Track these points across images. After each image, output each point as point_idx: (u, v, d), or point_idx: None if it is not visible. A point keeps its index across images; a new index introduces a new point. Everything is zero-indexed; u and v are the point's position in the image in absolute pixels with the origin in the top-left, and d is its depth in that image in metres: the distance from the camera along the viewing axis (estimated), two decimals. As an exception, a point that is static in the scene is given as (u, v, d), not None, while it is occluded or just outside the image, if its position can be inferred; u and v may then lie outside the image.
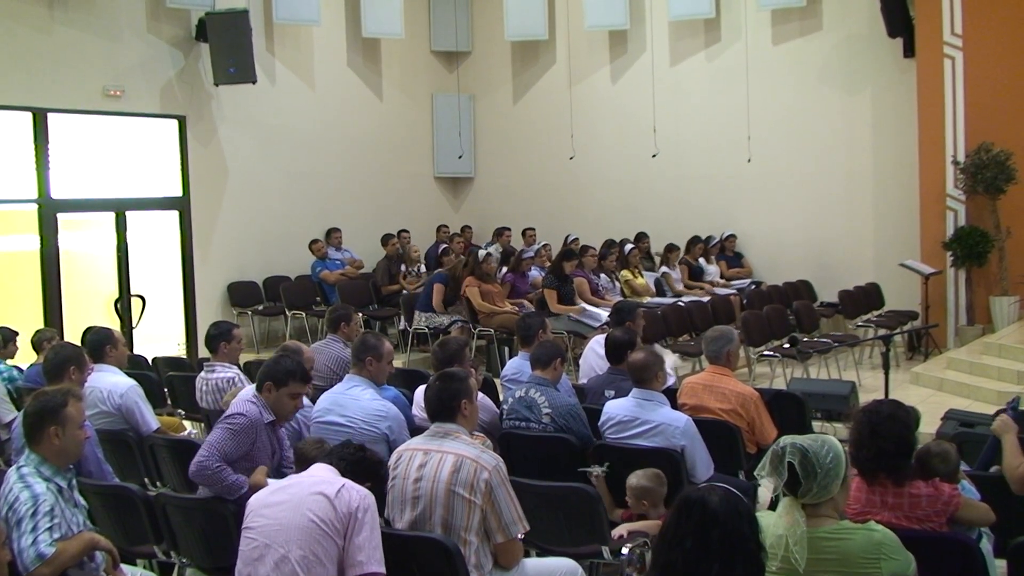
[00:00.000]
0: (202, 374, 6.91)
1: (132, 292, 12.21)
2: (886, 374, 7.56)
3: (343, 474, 3.98)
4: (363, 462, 4.09)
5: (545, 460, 5.64)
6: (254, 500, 3.98)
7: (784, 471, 3.38)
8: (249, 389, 5.24)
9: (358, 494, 3.82)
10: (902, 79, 13.08)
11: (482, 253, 11.72)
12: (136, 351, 11.00)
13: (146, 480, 6.25)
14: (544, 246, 13.55)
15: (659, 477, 5.04)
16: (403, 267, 13.54)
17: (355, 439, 5.38)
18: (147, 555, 5.01)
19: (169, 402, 8.32)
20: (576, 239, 13.94)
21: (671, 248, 13.66)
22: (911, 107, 12.75)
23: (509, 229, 15.05)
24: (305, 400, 5.85)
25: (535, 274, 12.68)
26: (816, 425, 7.37)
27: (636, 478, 5.04)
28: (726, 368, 6.26)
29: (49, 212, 11.50)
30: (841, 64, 13.67)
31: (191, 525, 4.79)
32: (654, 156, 14.53)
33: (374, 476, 4.08)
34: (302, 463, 4.49)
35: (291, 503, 3.83)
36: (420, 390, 5.98)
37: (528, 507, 4.34)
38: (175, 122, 12.76)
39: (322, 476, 3.94)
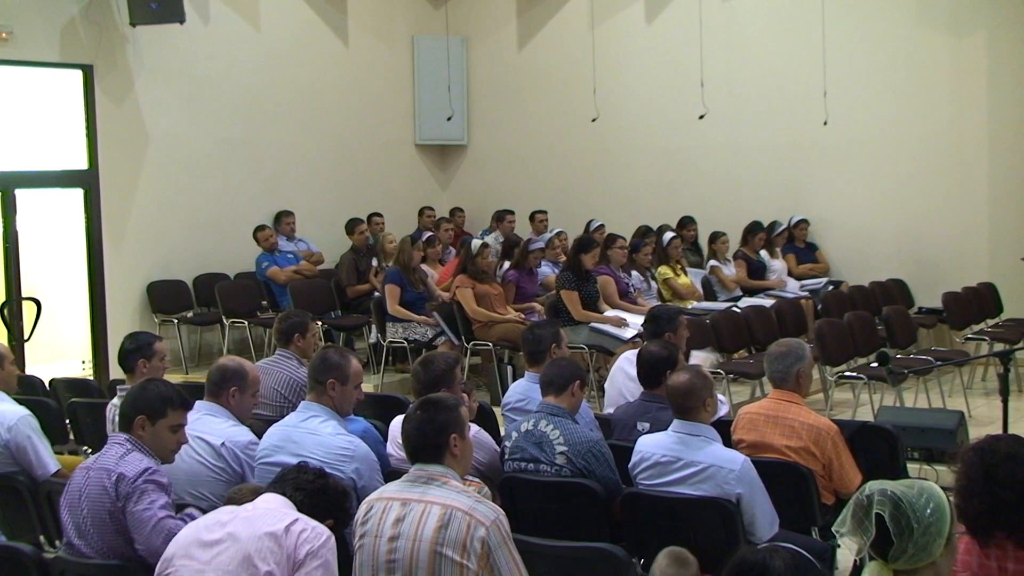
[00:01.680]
0: (115, 400, 6.88)
1: (23, 294, 12.22)
2: (1004, 402, 7.54)
3: (300, 508, 3.99)
4: (324, 492, 4.11)
5: (560, 512, 5.65)
6: (181, 538, 3.99)
7: (871, 527, 3.38)
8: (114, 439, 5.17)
9: (312, 533, 3.83)
10: (1028, 16, 13.10)
11: (476, 244, 11.73)
12: (28, 370, 11.00)
13: (41, 538, 6.25)
14: (558, 234, 13.56)
15: (683, 558, 4.97)
16: (375, 262, 13.55)
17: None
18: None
19: (72, 437, 8.31)
20: (601, 226, 13.94)
21: (719, 236, 13.67)
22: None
23: (512, 213, 15.07)
24: (248, 435, 5.88)
25: (547, 271, 12.68)
26: (912, 468, 7.37)
27: (658, 566, 5.01)
28: (795, 394, 6.26)
29: (-85, 190, 11.54)
30: (947, -4, 13.69)
31: (98, 597, 4.80)
32: (701, 117, 14.52)
33: (337, 510, 4.09)
34: None
35: (232, 550, 3.83)
36: (397, 422, 5.98)
37: (537, 574, 4.34)
38: (79, 73, 12.77)
39: (270, 507, 3.95)
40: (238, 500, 4.69)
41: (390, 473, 5.56)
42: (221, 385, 6.00)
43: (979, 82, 13.52)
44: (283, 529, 3.82)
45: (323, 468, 4.27)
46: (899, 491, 3.41)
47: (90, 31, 12.73)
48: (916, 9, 13.81)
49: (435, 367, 6.07)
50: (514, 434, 6.03)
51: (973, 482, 3.91)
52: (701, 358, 8.58)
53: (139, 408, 5.00)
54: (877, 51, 13.98)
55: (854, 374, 10.25)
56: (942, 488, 3.51)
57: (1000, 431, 6.74)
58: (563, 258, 12.55)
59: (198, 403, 5.70)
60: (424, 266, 12.90)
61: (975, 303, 12.68)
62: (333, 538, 3.89)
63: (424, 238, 13.36)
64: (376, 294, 12.83)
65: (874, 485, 3.45)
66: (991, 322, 12.63)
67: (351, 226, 13.87)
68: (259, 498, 4.09)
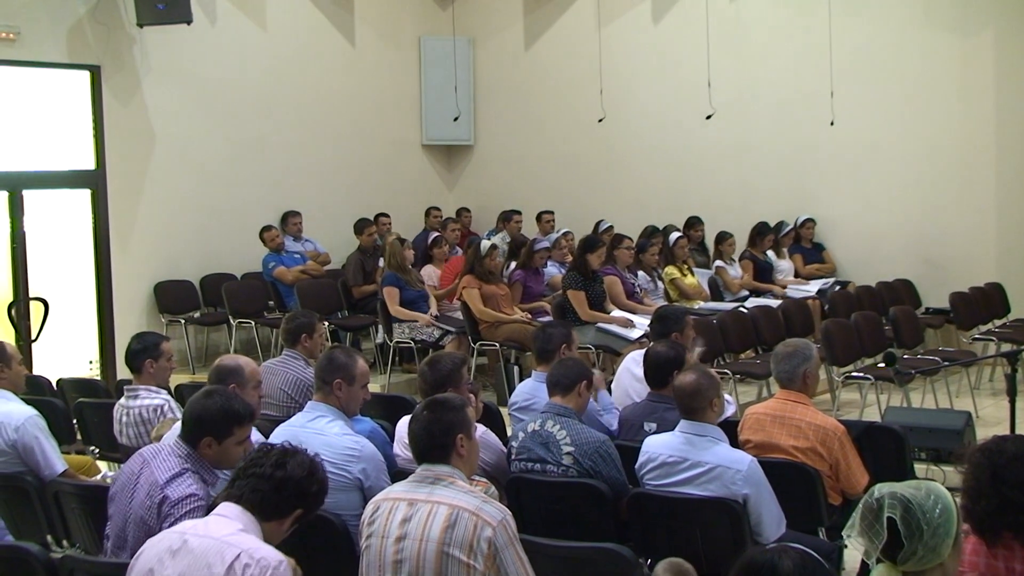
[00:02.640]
0: (122, 401, 6.92)
1: (31, 294, 12.24)
2: (1012, 403, 7.52)
3: (260, 510, 3.95)
4: (285, 485, 3.98)
5: (566, 513, 5.65)
6: (139, 565, 3.98)
7: (882, 529, 3.38)
8: (169, 437, 5.16)
9: (256, 568, 3.77)
10: (1035, 16, 13.08)
11: (486, 245, 11.73)
12: (36, 371, 11.02)
13: (49, 538, 6.26)
14: (565, 235, 13.54)
15: (683, 570, 4.95)
16: (381, 262, 13.55)
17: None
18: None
19: (79, 437, 8.34)
20: (609, 227, 13.95)
21: (726, 237, 13.66)
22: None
23: (519, 213, 15.07)
24: (255, 435, 5.88)
25: (553, 271, 12.68)
26: (919, 468, 7.36)
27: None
28: (802, 394, 6.26)
29: (-77, 191, 11.56)
30: (954, -4, 13.67)
31: (106, 597, 4.80)
32: (708, 118, 14.54)
33: (302, 497, 4.00)
34: None
35: None
36: (404, 422, 5.98)
37: (544, 574, 4.34)
38: (87, 74, 12.78)
39: (219, 534, 3.91)
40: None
41: (397, 473, 5.56)
42: (221, 383, 5.98)
43: (986, 82, 13.49)
44: (224, 571, 3.78)
45: (284, 451, 4.12)
46: (908, 493, 3.41)
47: (97, 32, 12.74)
48: (923, 9, 13.79)
49: (442, 367, 6.07)
50: (520, 434, 6.03)
51: (980, 483, 3.91)
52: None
53: (205, 430, 4.89)
54: (884, 51, 13.96)
55: (861, 374, 10.24)
56: (949, 489, 3.51)
57: (1007, 432, 6.74)
58: (570, 258, 12.55)
59: None
60: (431, 266, 12.92)
61: (982, 303, 12.65)
62: (284, 564, 3.83)
63: (431, 238, 13.38)
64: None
65: (883, 488, 3.45)
66: (998, 322, 12.61)
67: (360, 227, 13.87)
68: (212, 514, 4.04)
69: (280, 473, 4.00)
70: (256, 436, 5.87)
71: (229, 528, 3.93)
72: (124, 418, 6.83)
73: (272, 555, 3.82)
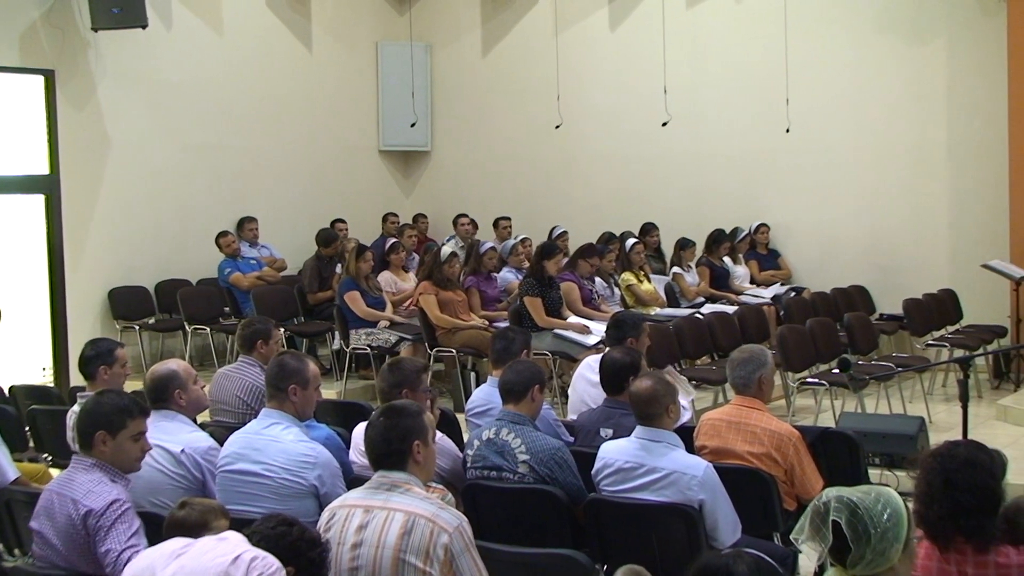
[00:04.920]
0: (75, 407, 6.85)
1: (-17, 300, 12.14)
2: (964, 408, 7.58)
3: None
4: (283, 538, 3.91)
5: (523, 519, 5.65)
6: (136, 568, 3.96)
7: (829, 534, 3.40)
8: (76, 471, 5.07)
9: (262, 562, 3.71)
10: (987, 23, 13.18)
11: (445, 251, 11.72)
12: (-12, 378, 10.93)
13: (0, 547, 6.20)
14: (522, 241, 13.55)
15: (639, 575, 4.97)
16: (338, 268, 13.52)
17: (274, 493, 5.38)
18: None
19: (31, 444, 8.26)
20: (564, 233, 13.97)
21: (686, 244, 13.72)
22: (999, 60, 12.83)
23: (466, 215, 15.11)
24: (207, 440, 5.85)
25: (510, 277, 12.68)
26: (874, 473, 7.40)
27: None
28: (757, 400, 6.29)
29: None
30: (907, 4, 13.77)
31: (59, 608, 4.76)
32: (665, 124, 14.57)
33: (299, 557, 3.91)
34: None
35: None
36: (360, 429, 5.97)
37: (500, 581, 4.35)
38: (40, 78, 12.69)
39: (223, 539, 3.88)
40: (186, 520, 4.55)
41: (353, 480, 5.54)
42: (164, 392, 5.96)
43: (939, 90, 13.62)
44: (231, 560, 3.75)
45: (295, 518, 4.06)
46: (856, 498, 3.43)
47: (52, 36, 12.65)
48: (877, 18, 13.90)
49: (399, 372, 6.06)
50: (476, 442, 6.02)
51: (933, 488, 3.94)
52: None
53: (98, 424, 4.92)
54: (839, 59, 14.07)
55: (816, 380, 10.30)
56: (902, 494, 3.54)
57: (960, 437, 6.79)
58: (527, 264, 12.55)
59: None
60: (388, 272, 12.89)
61: (936, 310, 12.76)
62: (284, 572, 3.78)
63: (388, 244, 13.35)
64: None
65: (831, 492, 3.47)
66: (951, 328, 12.72)
67: (326, 239, 13.62)
68: (219, 535, 4.01)
69: (282, 529, 3.91)
70: (209, 442, 5.86)
71: (238, 539, 3.92)
72: (76, 434, 6.77)
73: (276, 561, 3.79)
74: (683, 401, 7.13)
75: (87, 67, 13.01)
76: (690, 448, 5.94)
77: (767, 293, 13.58)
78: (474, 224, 15.18)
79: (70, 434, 6.82)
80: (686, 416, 6.90)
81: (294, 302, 13.38)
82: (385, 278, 12.77)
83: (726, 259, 13.94)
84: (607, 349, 7.36)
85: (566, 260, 12.14)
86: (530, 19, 16.10)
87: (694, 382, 10.57)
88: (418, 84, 16.52)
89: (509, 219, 15.11)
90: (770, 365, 6.40)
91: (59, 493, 4.90)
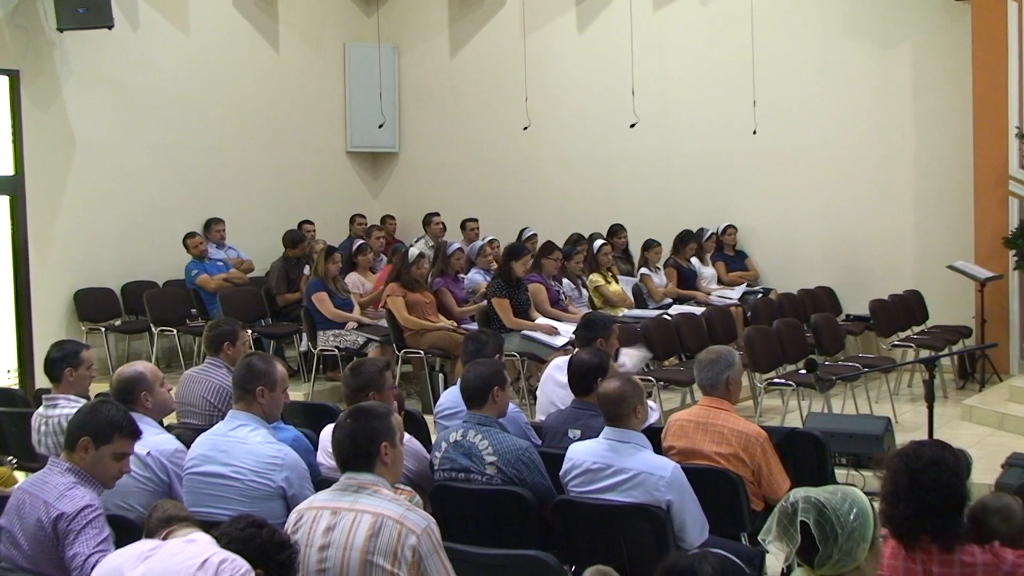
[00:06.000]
0: (40, 410, 6.82)
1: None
2: (930, 408, 7.63)
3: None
4: (252, 540, 3.89)
5: (491, 520, 5.65)
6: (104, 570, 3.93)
7: (796, 534, 3.41)
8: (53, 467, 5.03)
9: (232, 564, 3.71)
10: (952, 27, 13.26)
11: (413, 253, 11.69)
12: (-48, 380, 10.87)
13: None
14: (490, 242, 13.55)
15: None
16: (306, 270, 13.48)
17: (242, 495, 5.37)
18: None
19: (-4, 447, 8.22)
20: (533, 235, 13.98)
21: (651, 245, 13.75)
22: (964, 64, 12.92)
23: (438, 215, 15.09)
24: (174, 443, 5.83)
25: (478, 278, 12.67)
26: (840, 473, 7.44)
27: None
28: (725, 400, 6.30)
29: None
30: (874, 7, 13.85)
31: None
32: (632, 126, 14.59)
33: (267, 560, 3.89)
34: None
35: None
36: (327, 430, 5.95)
37: (468, 582, 4.35)
38: (5, 79, 12.61)
39: (192, 541, 3.87)
40: (153, 525, 4.53)
41: (320, 482, 5.53)
42: (130, 394, 5.93)
43: (904, 92, 13.70)
44: (199, 564, 3.73)
45: (264, 520, 4.03)
46: (823, 498, 3.44)
47: (16, 36, 12.56)
48: (843, 21, 13.98)
49: (364, 373, 6.07)
50: (443, 444, 6.00)
51: (899, 487, 3.96)
52: (633, 356, 8.66)
53: (86, 429, 4.88)
54: (805, 62, 14.14)
55: (783, 381, 10.33)
56: (868, 494, 3.55)
57: (925, 437, 6.83)
58: (495, 266, 12.56)
59: None
60: (355, 274, 12.87)
61: (902, 310, 12.83)
62: (253, 574, 3.77)
63: (356, 246, 13.32)
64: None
65: (798, 492, 3.48)
66: (917, 329, 12.78)
67: (293, 240, 13.50)
68: (187, 536, 3.99)
69: (251, 531, 3.89)
70: (175, 444, 5.83)
71: (207, 541, 3.90)
72: (43, 427, 6.74)
73: (246, 563, 3.76)
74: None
75: (52, 67, 12.94)
76: (658, 449, 5.95)
77: (734, 294, 13.64)
78: (443, 225, 15.17)
79: (35, 436, 6.81)
80: (654, 417, 6.90)
81: (261, 304, 13.32)
82: (353, 280, 12.75)
83: (694, 260, 13.99)
84: (575, 350, 7.37)
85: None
86: (498, 20, 16.11)
87: (662, 383, 10.60)
88: (386, 85, 16.51)
89: (477, 220, 15.11)
90: (737, 366, 6.42)
91: (31, 494, 4.87)
